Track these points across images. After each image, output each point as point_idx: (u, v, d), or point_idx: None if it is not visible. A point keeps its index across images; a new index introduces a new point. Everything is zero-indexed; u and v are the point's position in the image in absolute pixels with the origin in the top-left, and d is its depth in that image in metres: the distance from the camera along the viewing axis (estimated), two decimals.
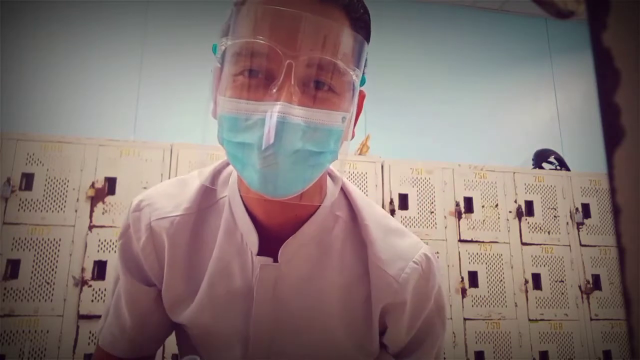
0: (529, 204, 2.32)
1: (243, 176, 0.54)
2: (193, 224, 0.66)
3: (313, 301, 0.65)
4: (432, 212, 2.21)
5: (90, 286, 1.84)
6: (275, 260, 0.63)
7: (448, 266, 2.15)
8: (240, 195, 0.63)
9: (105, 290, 1.85)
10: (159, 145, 2.03)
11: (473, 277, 2.17)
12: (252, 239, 0.63)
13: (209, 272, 0.65)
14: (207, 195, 0.68)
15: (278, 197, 0.53)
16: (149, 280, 0.69)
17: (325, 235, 0.65)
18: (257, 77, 0.52)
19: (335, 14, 0.54)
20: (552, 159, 2.68)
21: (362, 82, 0.57)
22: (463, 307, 2.13)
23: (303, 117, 0.50)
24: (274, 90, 0.50)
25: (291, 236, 0.62)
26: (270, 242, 0.63)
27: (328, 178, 0.66)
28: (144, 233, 0.66)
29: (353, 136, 0.61)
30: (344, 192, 0.69)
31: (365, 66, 0.57)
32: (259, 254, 0.63)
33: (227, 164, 0.70)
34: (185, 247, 0.66)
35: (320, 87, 0.53)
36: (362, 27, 0.57)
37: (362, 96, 0.61)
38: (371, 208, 0.69)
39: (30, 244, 1.84)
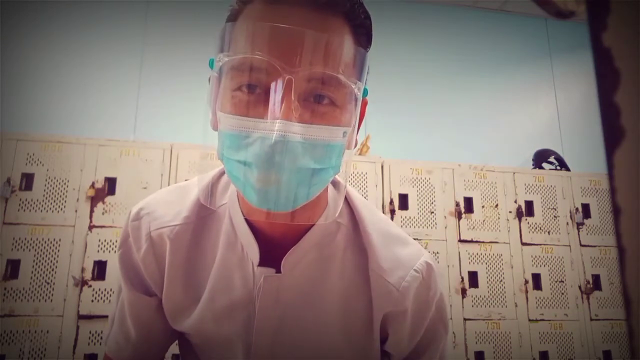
0: (529, 204, 2.32)
1: (243, 194, 0.53)
2: (192, 233, 0.65)
3: (314, 309, 0.64)
4: (432, 212, 2.21)
5: (90, 286, 1.84)
6: (277, 270, 0.62)
7: (448, 266, 2.15)
8: (239, 204, 0.62)
9: (105, 290, 1.85)
10: (159, 145, 2.03)
11: (473, 277, 2.17)
12: (252, 250, 0.62)
13: (210, 284, 0.65)
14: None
15: (278, 212, 0.51)
16: (149, 290, 0.68)
17: (327, 243, 0.64)
18: (256, 93, 0.50)
19: (335, 23, 0.52)
20: (552, 159, 2.68)
21: (365, 93, 0.55)
22: (463, 307, 2.13)
23: (303, 134, 0.49)
24: (274, 107, 0.48)
25: (294, 246, 0.61)
26: (271, 250, 0.62)
27: (330, 186, 0.65)
28: (144, 243, 0.65)
29: (356, 144, 0.60)
30: (346, 198, 0.67)
31: (367, 73, 0.55)
32: (260, 264, 0.62)
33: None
34: (185, 256, 0.65)
35: (321, 101, 0.51)
36: (363, 34, 0.56)
37: (364, 103, 0.60)
38: (373, 215, 0.68)
39: (30, 244, 1.83)
